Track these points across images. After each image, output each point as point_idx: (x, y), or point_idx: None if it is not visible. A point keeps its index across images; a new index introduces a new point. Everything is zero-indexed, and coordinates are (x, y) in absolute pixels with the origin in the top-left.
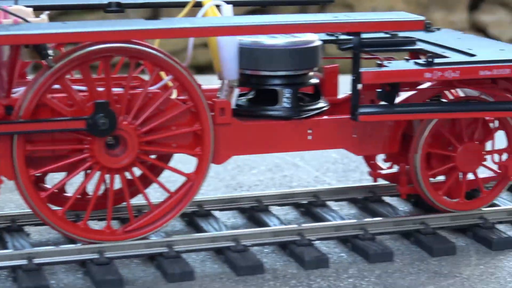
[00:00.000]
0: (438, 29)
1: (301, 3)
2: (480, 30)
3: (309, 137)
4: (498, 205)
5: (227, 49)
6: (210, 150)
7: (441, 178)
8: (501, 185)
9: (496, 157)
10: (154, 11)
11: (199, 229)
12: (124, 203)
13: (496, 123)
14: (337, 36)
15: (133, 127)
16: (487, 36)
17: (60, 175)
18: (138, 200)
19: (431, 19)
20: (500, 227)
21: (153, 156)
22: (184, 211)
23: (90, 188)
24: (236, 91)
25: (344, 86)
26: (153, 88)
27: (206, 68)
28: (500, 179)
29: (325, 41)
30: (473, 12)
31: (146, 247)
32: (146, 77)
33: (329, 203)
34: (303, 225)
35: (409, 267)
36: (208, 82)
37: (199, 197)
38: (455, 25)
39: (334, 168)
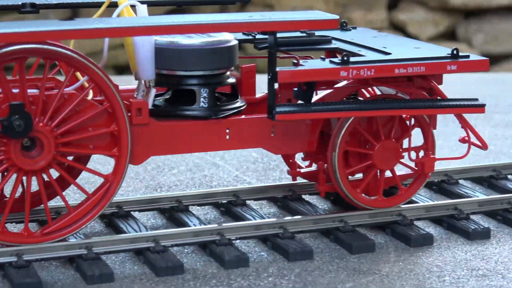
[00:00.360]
0: (354, 27)
1: (217, 2)
2: (399, 28)
3: (227, 137)
4: (416, 202)
5: (143, 49)
6: (128, 150)
7: (359, 176)
8: (419, 182)
9: (413, 154)
10: (73, 12)
11: (119, 230)
12: (42, 205)
13: (413, 120)
14: (254, 36)
15: (49, 129)
16: (406, 35)
17: None
18: (56, 202)
19: (350, 18)
20: (419, 223)
21: (70, 158)
22: (103, 212)
23: (7, 190)
24: (153, 91)
25: (263, 85)
26: (68, 89)
27: (127, 69)
28: (417, 176)
29: (242, 41)
30: (391, 11)
31: (65, 249)
32: (62, 78)
33: (249, 202)
34: (223, 224)
35: (329, 264)
36: (128, 82)
37: (118, 198)
38: (374, 24)
39: (254, 167)
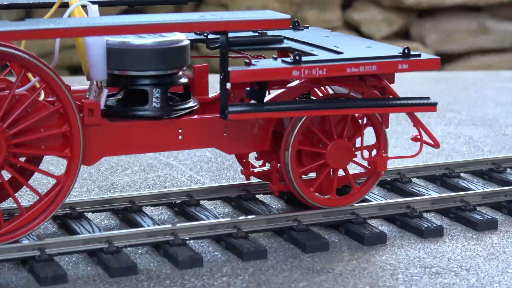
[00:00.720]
0: (306, 27)
1: (169, 2)
2: (353, 28)
3: (180, 137)
4: (369, 201)
5: (95, 49)
6: (80, 151)
7: (313, 175)
8: (372, 181)
9: (366, 153)
10: (26, 12)
11: (72, 232)
12: None
13: (365, 119)
14: (206, 36)
15: (0, 130)
16: (360, 34)
17: None
18: (9, 204)
19: (304, 18)
20: (372, 222)
21: (22, 159)
22: (55, 213)
23: None
24: (105, 92)
25: (217, 85)
26: (20, 90)
27: (81, 69)
28: (370, 175)
29: (194, 41)
30: (346, 11)
31: (17, 251)
32: (13, 79)
33: (203, 202)
34: (177, 225)
35: (283, 264)
36: (83, 83)
37: (71, 199)
38: (328, 24)
39: (208, 167)
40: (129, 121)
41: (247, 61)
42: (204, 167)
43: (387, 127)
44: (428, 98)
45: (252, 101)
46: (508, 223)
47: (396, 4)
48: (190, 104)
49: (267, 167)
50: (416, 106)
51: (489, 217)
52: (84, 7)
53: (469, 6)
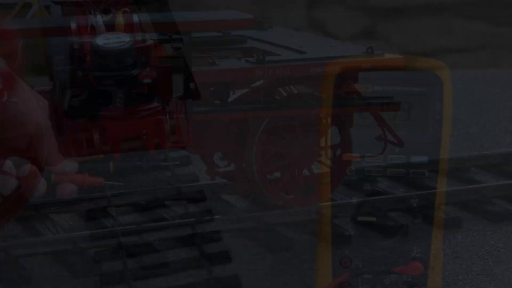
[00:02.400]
0: (271, 27)
1: None
2: (318, 27)
3: (144, 137)
4: (334, 200)
5: (57, 49)
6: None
7: (278, 174)
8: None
9: (331, 152)
10: None
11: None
12: None
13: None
14: (170, 36)
15: None
16: (326, 34)
17: None
18: None
19: (269, 17)
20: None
21: None
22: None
23: None
24: (69, 92)
25: (181, 85)
26: None
27: (45, 70)
28: (335, 174)
29: (158, 41)
30: (311, 10)
31: None
32: None
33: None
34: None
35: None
36: (46, 83)
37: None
38: (293, 23)
39: None
40: (92, 122)
41: (211, 61)
42: None
43: (352, 126)
44: (392, 97)
45: (216, 101)
46: (472, 222)
47: (361, 4)
48: (154, 105)
49: (232, 167)
50: (380, 106)
51: (454, 215)
52: (47, 7)
53: (434, 5)
